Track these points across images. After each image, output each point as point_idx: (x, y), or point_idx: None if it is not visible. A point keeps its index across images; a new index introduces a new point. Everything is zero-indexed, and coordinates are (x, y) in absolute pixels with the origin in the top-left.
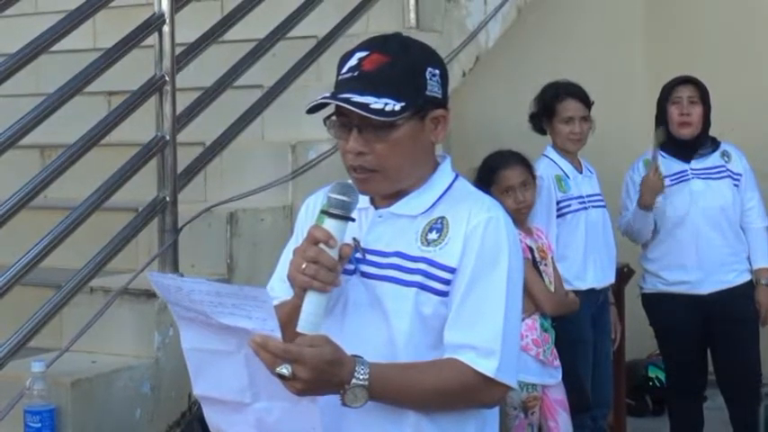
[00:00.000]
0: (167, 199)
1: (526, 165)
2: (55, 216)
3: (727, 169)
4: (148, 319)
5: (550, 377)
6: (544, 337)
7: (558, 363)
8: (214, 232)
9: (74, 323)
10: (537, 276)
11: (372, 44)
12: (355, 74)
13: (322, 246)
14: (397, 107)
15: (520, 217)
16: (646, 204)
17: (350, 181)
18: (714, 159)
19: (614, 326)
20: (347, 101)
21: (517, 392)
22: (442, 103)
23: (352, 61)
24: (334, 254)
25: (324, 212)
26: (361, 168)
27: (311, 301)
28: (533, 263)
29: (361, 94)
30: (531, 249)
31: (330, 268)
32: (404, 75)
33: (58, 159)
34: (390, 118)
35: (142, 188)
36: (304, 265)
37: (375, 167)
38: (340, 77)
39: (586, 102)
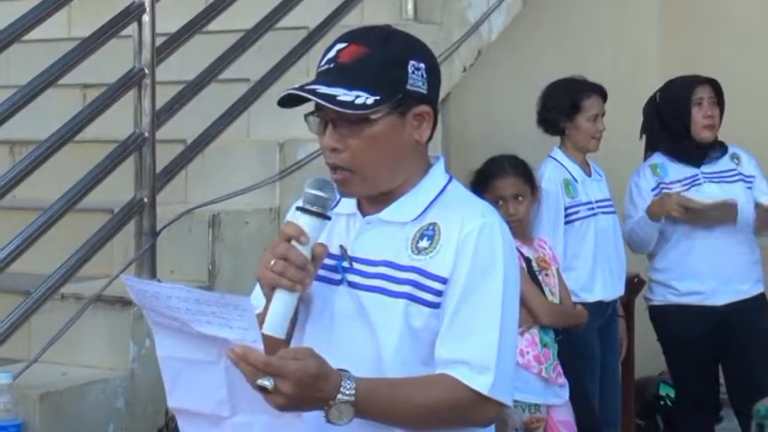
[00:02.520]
0: (145, 200)
1: (524, 175)
2: (25, 217)
3: (739, 172)
4: (123, 328)
5: (555, 396)
6: (545, 353)
7: (562, 380)
8: (195, 236)
9: (43, 332)
10: (533, 286)
11: (353, 35)
12: (331, 66)
13: (294, 243)
14: (370, 100)
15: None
16: (653, 214)
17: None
18: (725, 163)
19: (622, 340)
20: (313, 92)
21: (518, 413)
22: (428, 99)
23: (331, 53)
24: (306, 251)
25: (297, 209)
26: (337, 168)
27: (279, 301)
28: (530, 273)
29: (330, 85)
30: (527, 259)
31: (300, 266)
32: (381, 67)
33: (29, 156)
34: (360, 111)
35: (118, 188)
36: (273, 262)
37: (350, 166)
38: (318, 69)
39: (605, 99)
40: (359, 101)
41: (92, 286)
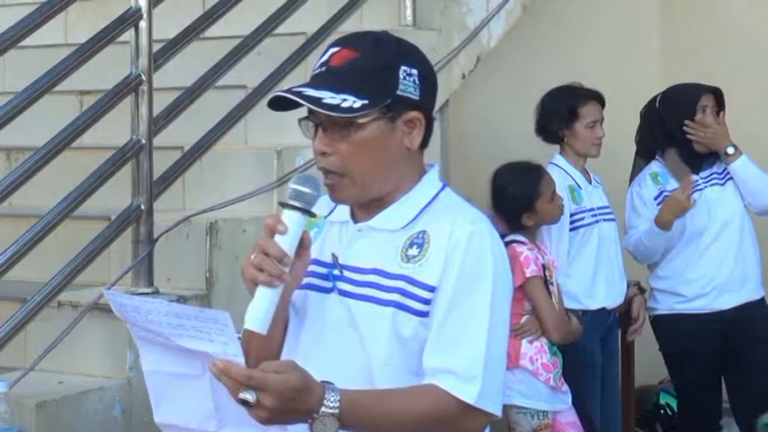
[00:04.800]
0: (142, 207)
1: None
2: (21, 224)
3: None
4: (120, 336)
5: (561, 402)
6: (554, 361)
7: (566, 387)
8: (192, 244)
9: (40, 340)
10: (548, 299)
11: (347, 40)
12: (323, 69)
13: (277, 237)
14: (357, 104)
15: (525, 235)
16: (665, 223)
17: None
18: (718, 165)
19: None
20: (299, 94)
21: (527, 420)
22: (420, 105)
23: (324, 57)
24: (285, 244)
25: (280, 203)
26: (327, 172)
27: (259, 297)
28: (545, 283)
29: (318, 88)
30: (544, 267)
31: (277, 258)
32: (371, 71)
33: (26, 163)
34: (346, 114)
35: (115, 195)
36: (253, 256)
37: (340, 170)
38: (311, 74)
39: (603, 105)
40: (345, 104)
41: (89, 294)
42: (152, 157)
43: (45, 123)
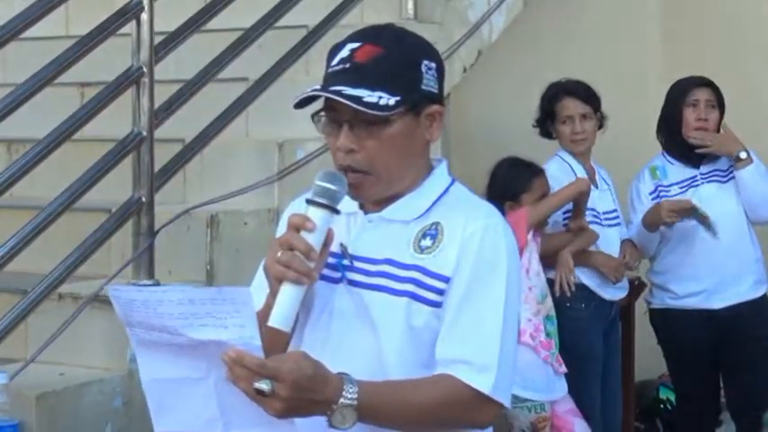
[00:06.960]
0: (143, 200)
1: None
2: (22, 216)
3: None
4: (121, 328)
5: (558, 390)
6: (549, 342)
7: (563, 369)
8: (193, 236)
9: (41, 332)
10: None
11: (365, 35)
12: (347, 66)
13: (303, 234)
14: (392, 101)
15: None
16: (649, 224)
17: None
18: (723, 161)
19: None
20: (339, 93)
21: (525, 413)
22: (438, 98)
23: (344, 53)
24: (313, 241)
25: (307, 201)
26: (351, 169)
27: (285, 294)
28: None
29: (354, 86)
30: None
31: (304, 252)
32: (398, 67)
33: (27, 155)
34: (384, 112)
35: (116, 188)
36: (279, 253)
37: (366, 167)
38: (330, 70)
39: (587, 99)
40: (382, 102)
41: (89, 286)
42: (153, 149)
43: (46, 115)
